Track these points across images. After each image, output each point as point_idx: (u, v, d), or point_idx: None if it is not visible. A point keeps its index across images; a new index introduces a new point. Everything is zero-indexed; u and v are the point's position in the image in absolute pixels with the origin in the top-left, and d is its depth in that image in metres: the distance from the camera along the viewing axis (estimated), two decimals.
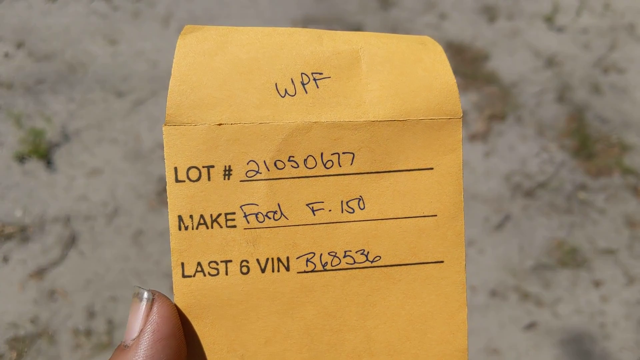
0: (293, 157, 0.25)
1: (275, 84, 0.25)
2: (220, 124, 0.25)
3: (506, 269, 1.25)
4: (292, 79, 0.25)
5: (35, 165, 1.34)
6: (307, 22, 1.70)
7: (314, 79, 0.25)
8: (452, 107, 0.26)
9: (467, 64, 1.64)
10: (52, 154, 1.36)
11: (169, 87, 0.25)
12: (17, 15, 1.66)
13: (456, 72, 1.54)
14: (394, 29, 1.71)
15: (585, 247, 1.29)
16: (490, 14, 1.79)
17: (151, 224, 1.26)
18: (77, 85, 1.50)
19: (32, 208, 1.28)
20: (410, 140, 0.26)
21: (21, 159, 1.35)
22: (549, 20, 1.77)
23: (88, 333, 1.11)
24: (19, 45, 1.58)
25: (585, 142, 1.48)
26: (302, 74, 0.25)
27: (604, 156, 1.46)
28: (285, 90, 0.25)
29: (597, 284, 1.24)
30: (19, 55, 1.56)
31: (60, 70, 1.53)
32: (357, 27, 1.72)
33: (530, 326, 1.18)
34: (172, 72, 0.25)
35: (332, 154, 0.25)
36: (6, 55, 1.56)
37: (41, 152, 1.35)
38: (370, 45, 0.26)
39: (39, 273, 1.19)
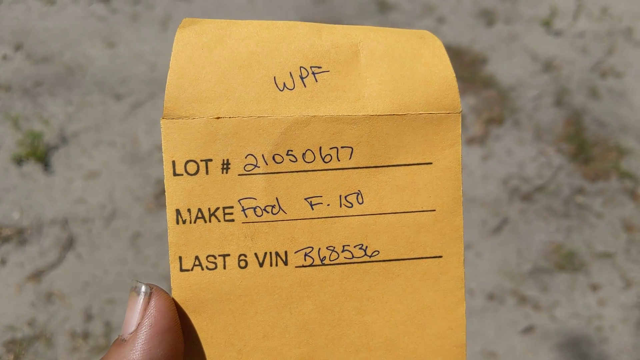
0: (291, 151, 0.25)
1: (274, 77, 0.25)
2: (218, 118, 0.24)
3: (503, 273, 1.25)
4: (290, 73, 0.25)
5: (32, 167, 1.34)
6: None
7: (313, 73, 0.25)
8: (451, 101, 0.26)
9: (465, 67, 1.65)
10: (50, 157, 1.36)
11: (167, 80, 0.24)
12: (15, 17, 1.66)
13: None
14: None
15: (583, 251, 1.29)
16: (488, 18, 1.79)
17: (149, 227, 1.26)
18: (75, 88, 1.50)
19: (30, 210, 1.27)
20: (409, 134, 0.26)
21: (19, 161, 1.34)
22: (547, 24, 1.78)
23: (85, 336, 1.11)
24: (17, 47, 1.58)
25: (583, 146, 1.48)
26: (300, 67, 0.25)
27: (601, 160, 1.46)
28: (284, 84, 0.25)
29: (594, 287, 1.24)
30: (17, 57, 1.56)
31: (58, 73, 1.53)
32: None
33: (528, 330, 1.18)
34: (170, 65, 0.25)
35: (330, 148, 0.25)
36: (4, 57, 1.56)
37: (39, 154, 1.35)
38: (370, 39, 0.26)
39: (37, 275, 1.18)
